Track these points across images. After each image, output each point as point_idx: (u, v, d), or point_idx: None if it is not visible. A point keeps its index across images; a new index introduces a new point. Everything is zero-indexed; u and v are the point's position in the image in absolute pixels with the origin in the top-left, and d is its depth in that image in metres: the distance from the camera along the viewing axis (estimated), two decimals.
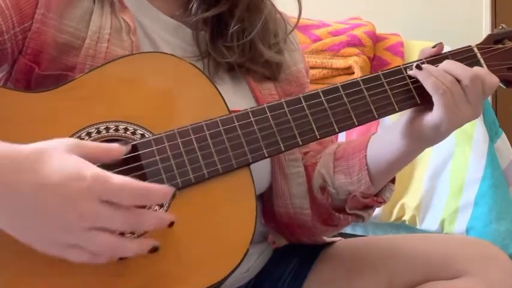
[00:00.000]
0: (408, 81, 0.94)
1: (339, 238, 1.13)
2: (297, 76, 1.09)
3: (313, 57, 2.23)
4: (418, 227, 2.03)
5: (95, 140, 0.83)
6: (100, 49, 0.92)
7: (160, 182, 0.82)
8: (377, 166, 0.98)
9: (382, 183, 1.01)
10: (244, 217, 0.83)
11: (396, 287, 0.99)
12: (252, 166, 0.87)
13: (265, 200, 1.06)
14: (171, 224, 0.76)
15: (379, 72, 0.94)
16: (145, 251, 0.75)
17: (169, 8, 1.02)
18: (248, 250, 0.81)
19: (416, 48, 2.32)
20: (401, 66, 0.95)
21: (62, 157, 0.72)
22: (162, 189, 0.74)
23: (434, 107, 0.90)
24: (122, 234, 0.75)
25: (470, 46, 0.98)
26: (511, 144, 2.22)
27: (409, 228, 2.04)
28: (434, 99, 0.90)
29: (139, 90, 0.87)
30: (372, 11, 2.72)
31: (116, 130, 0.84)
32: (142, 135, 0.84)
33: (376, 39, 2.34)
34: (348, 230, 1.12)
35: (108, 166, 0.81)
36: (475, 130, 2.01)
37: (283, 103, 0.90)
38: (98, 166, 0.73)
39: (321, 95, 0.91)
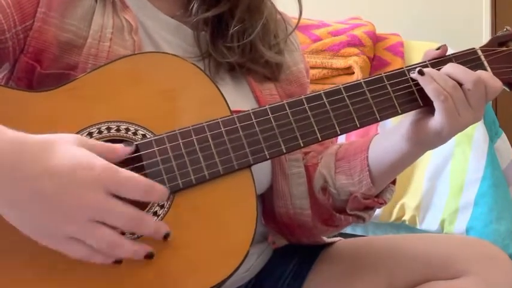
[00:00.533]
0: (411, 83, 0.93)
1: (338, 238, 1.13)
2: (298, 76, 1.09)
3: (313, 57, 2.22)
4: (418, 227, 2.03)
5: (95, 139, 0.83)
6: (102, 48, 0.93)
7: (161, 182, 0.82)
8: (378, 167, 0.98)
9: (383, 185, 1.01)
10: (245, 218, 0.83)
11: (396, 287, 0.99)
12: (253, 166, 0.87)
13: (266, 201, 1.06)
14: (166, 237, 0.77)
15: (382, 74, 0.93)
16: (142, 255, 0.76)
17: (170, 8, 1.02)
18: (249, 251, 0.81)
19: (416, 48, 2.32)
20: (405, 69, 0.94)
21: (71, 147, 0.73)
22: (163, 189, 0.77)
23: (436, 113, 0.90)
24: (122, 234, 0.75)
25: (474, 48, 0.97)
26: (511, 144, 2.22)
27: (409, 228, 2.04)
28: (436, 105, 0.90)
29: (141, 90, 0.87)
30: (372, 11, 2.72)
31: (118, 130, 0.84)
32: (144, 136, 0.84)
33: (376, 39, 2.33)
34: (348, 230, 1.12)
35: None
36: (475, 130, 2.01)
37: (285, 105, 0.90)
38: None
39: (323, 96, 0.91)
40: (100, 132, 0.84)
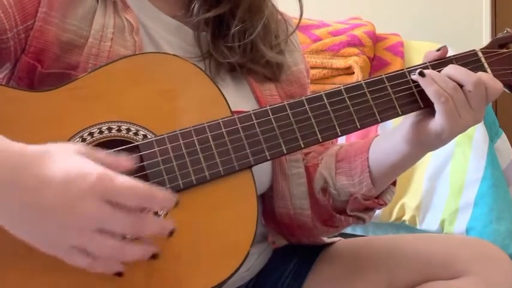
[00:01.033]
0: (412, 84, 0.93)
1: (338, 238, 1.13)
2: (298, 77, 1.09)
3: (313, 57, 2.22)
4: (418, 227, 2.03)
5: (97, 140, 0.83)
6: (103, 48, 0.93)
7: (162, 183, 0.82)
8: (378, 169, 0.98)
9: (384, 186, 1.01)
10: (246, 219, 0.83)
11: (396, 287, 0.99)
12: (253, 166, 0.87)
13: (266, 201, 1.06)
14: (171, 233, 0.75)
15: (383, 76, 0.93)
16: (146, 257, 0.75)
17: (170, 8, 1.02)
18: (249, 251, 0.81)
19: (416, 48, 2.32)
20: (405, 70, 0.94)
21: (66, 157, 0.72)
22: (166, 195, 0.74)
23: (436, 114, 0.90)
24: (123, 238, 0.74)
25: (474, 50, 0.97)
26: (511, 144, 2.22)
27: (409, 228, 2.04)
28: (436, 107, 0.90)
29: (142, 90, 0.87)
30: (372, 11, 2.72)
31: (119, 130, 0.84)
32: (145, 136, 0.85)
33: (376, 39, 2.33)
34: (348, 230, 1.12)
35: None
36: (475, 130, 2.01)
37: (286, 106, 0.90)
38: None
39: (324, 97, 0.91)
40: (101, 132, 0.84)
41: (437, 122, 0.90)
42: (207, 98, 0.89)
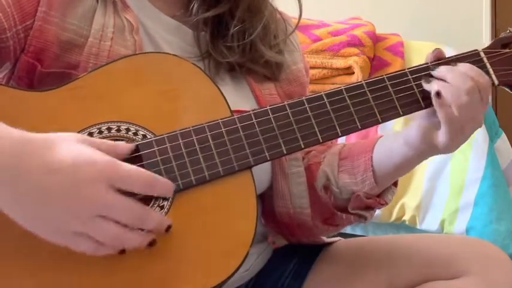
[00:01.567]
0: (413, 84, 0.93)
1: (338, 238, 1.13)
2: (297, 75, 1.09)
3: (313, 57, 2.22)
4: (418, 227, 2.03)
5: None
6: (103, 47, 0.93)
7: None
8: (381, 169, 0.99)
9: (385, 186, 1.01)
10: (245, 219, 0.83)
11: (396, 287, 0.99)
12: (254, 166, 0.87)
13: (265, 200, 1.06)
14: (168, 228, 0.78)
15: (384, 76, 0.93)
16: (146, 243, 0.76)
17: (170, 8, 1.02)
18: (249, 252, 0.81)
19: (416, 48, 2.32)
20: (406, 70, 0.94)
21: (72, 145, 0.74)
22: (167, 182, 0.78)
23: (441, 131, 0.90)
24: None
25: (476, 50, 0.97)
26: (511, 144, 2.22)
27: (409, 228, 2.04)
28: (443, 127, 0.90)
29: (142, 90, 0.87)
30: (372, 11, 2.72)
31: (118, 130, 0.84)
32: (144, 136, 0.85)
33: (376, 39, 2.33)
34: (347, 230, 1.12)
35: None
36: None
37: (286, 105, 0.89)
38: None
39: (324, 97, 0.90)
40: (100, 132, 0.84)
41: (441, 138, 0.91)
42: (206, 97, 0.89)
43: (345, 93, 0.91)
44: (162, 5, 1.02)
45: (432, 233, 1.96)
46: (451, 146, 0.92)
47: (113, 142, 0.79)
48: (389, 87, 0.92)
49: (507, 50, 0.97)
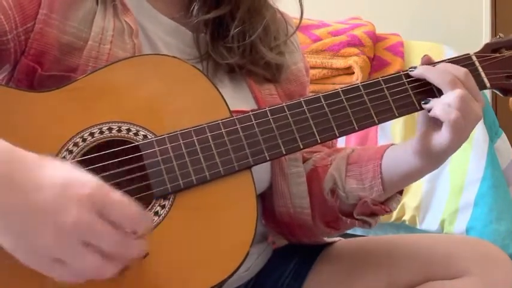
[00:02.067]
0: (407, 86, 0.94)
1: (338, 238, 1.13)
2: (297, 75, 1.10)
3: (313, 57, 2.23)
4: (418, 227, 2.03)
5: (97, 140, 0.83)
6: (103, 51, 0.93)
7: (163, 182, 0.82)
8: (389, 177, 0.99)
9: (392, 193, 1.01)
10: (245, 219, 0.83)
11: (396, 287, 0.99)
12: (254, 166, 0.87)
13: (266, 200, 1.06)
14: (145, 256, 0.74)
15: (379, 78, 0.94)
16: (117, 275, 0.71)
17: (169, 10, 1.02)
18: (249, 251, 0.81)
19: (416, 48, 2.32)
20: (401, 73, 0.95)
21: (63, 165, 0.72)
22: (150, 222, 0.75)
23: (443, 131, 0.90)
24: None
25: (468, 54, 0.99)
26: (511, 144, 2.22)
27: (409, 228, 2.04)
28: (444, 126, 0.90)
29: (142, 91, 0.87)
30: (372, 11, 2.72)
31: (119, 131, 0.84)
32: (145, 136, 0.85)
33: (376, 39, 2.34)
34: (348, 230, 1.12)
35: (111, 167, 0.82)
36: (475, 130, 2.00)
37: (285, 107, 0.90)
38: (98, 176, 0.72)
39: (322, 99, 0.91)
40: (101, 132, 0.84)
41: (443, 135, 0.90)
42: (206, 99, 0.89)
43: (342, 95, 0.92)
44: (162, 6, 1.02)
45: (432, 233, 1.96)
46: (453, 143, 0.91)
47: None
48: (385, 89, 0.94)
49: (497, 55, 0.99)
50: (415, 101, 0.94)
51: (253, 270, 1.07)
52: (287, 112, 0.90)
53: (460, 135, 0.91)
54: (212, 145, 0.85)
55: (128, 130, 0.85)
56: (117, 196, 0.70)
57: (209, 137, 0.86)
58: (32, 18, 0.91)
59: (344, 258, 1.07)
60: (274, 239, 1.15)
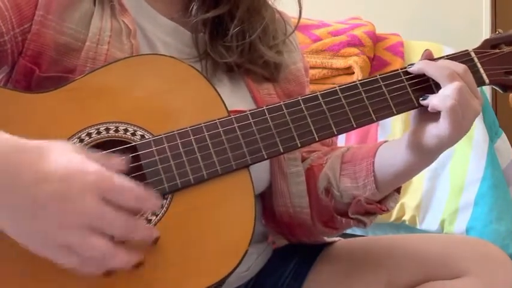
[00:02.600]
0: (406, 83, 0.94)
1: (338, 238, 1.13)
2: (296, 75, 1.09)
3: (313, 57, 2.23)
4: (418, 227, 2.03)
5: (94, 140, 0.84)
6: (100, 51, 0.92)
7: (160, 182, 0.83)
8: (383, 174, 0.98)
9: (387, 191, 1.01)
10: (243, 217, 0.83)
11: (396, 287, 0.99)
12: (252, 165, 0.87)
13: (265, 200, 1.06)
14: (155, 241, 0.76)
15: (377, 76, 0.94)
16: (132, 264, 0.74)
17: (168, 10, 1.02)
18: (247, 250, 0.81)
19: (416, 48, 2.32)
20: (400, 70, 0.95)
21: (65, 153, 0.72)
22: (157, 198, 0.75)
23: (441, 122, 0.89)
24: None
25: (467, 50, 0.98)
26: (511, 144, 2.22)
27: (409, 228, 2.04)
28: (442, 116, 0.89)
29: (139, 91, 0.87)
30: (372, 11, 2.72)
31: (116, 131, 0.84)
32: (142, 136, 0.85)
33: (376, 39, 2.33)
34: (347, 230, 1.12)
35: None
36: (475, 130, 2.01)
37: (282, 105, 0.90)
38: None
39: (320, 97, 0.91)
40: (99, 132, 0.84)
41: (441, 126, 0.90)
42: (203, 98, 0.89)
43: (339, 93, 0.92)
44: (160, 6, 1.02)
45: (432, 233, 1.96)
46: (450, 136, 0.90)
47: (107, 158, 0.75)
48: (383, 87, 0.93)
49: (496, 51, 0.99)
50: (413, 98, 0.93)
51: (253, 270, 1.07)
52: (285, 111, 0.90)
53: (457, 127, 0.89)
54: (209, 144, 0.85)
55: (125, 130, 0.85)
56: (121, 180, 0.72)
57: (206, 136, 0.86)
58: (28, 19, 0.90)
59: (344, 258, 1.07)
60: (274, 239, 1.15)
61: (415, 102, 0.93)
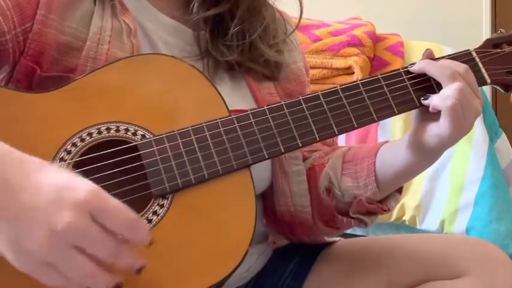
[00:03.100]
0: (407, 83, 0.94)
1: (339, 238, 1.13)
2: (297, 74, 1.09)
3: (313, 57, 2.23)
4: (418, 227, 2.03)
5: (95, 140, 0.83)
6: (101, 51, 0.92)
7: (161, 182, 0.82)
8: (384, 174, 0.98)
9: (388, 191, 1.00)
10: (244, 218, 0.83)
11: (396, 287, 0.99)
12: (253, 165, 0.87)
13: (266, 199, 1.06)
14: (140, 270, 0.71)
15: (379, 76, 0.94)
16: (112, 285, 0.70)
17: (169, 8, 1.02)
18: (248, 250, 0.81)
19: (416, 48, 2.32)
20: (401, 70, 0.95)
21: (62, 170, 0.71)
22: (147, 231, 0.72)
23: (441, 121, 0.89)
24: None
25: (468, 50, 0.98)
26: (511, 144, 2.22)
27: (409, 228, 2.04)
28: (442, 115, 0.89)
29: (140, 91, 0.87)
30: (372, 11, 2.72)
31: (117, 131, 0.84)
32: (143, 136, 0.85)
33: (376, 39, 2.33)
34: (348, 230, 1.12)
35: (109, 167, 0.82)
36: (475, 130, 2.01)
37: (283, 105, 0.90)
38: (93, 179, 0.71)
39: (321, 97, 0.91)
40: (100, 132, 0.84)
41: (442, 126, 0.90)
42: (204, 98, 0.89)
43: (340, 92, 0.92)
44: (161, 5, 1.02)
45: (432, 233, 1.96)
46: (450, 136, 0.90)
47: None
48: (384, 86, 0.93)
49: (498, 50, 0.99)
50: (414, 97, 0.93)
51: (254, 270, 1.07)
52: (285, 110, 0.90)
53: (458, 127, 0.89)
54: (210, 144, 0.85)
55: (126, 130, 0.85)
56: (114, 202, 0.69)
57: (207, 135, 0.86)
58: (30, 19, 0.90)
59: (344, 258, 1.07)
60: (275, 239, 1.15)
61: (417, 102, 0.93)
